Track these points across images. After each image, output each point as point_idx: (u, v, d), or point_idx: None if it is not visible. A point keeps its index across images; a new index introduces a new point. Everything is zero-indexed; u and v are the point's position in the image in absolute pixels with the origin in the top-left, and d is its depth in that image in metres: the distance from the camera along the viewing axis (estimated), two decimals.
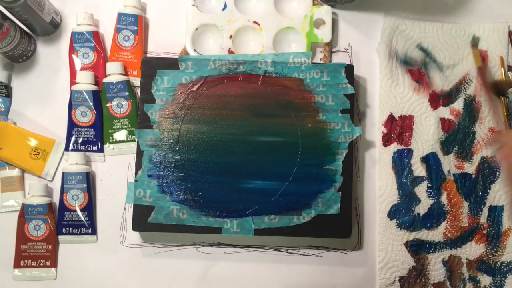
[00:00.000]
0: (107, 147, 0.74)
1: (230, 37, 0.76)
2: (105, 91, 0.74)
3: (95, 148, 0.74)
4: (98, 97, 0.74)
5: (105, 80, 0.74)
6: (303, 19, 0.77)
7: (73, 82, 0.75)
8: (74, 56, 0.75)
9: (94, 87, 0.73)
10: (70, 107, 0.73)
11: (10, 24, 0.70)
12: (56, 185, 0.73)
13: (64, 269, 0.72)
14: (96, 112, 0.73)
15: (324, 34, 0.77)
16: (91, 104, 0.73)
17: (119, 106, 0.74)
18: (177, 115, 0.71)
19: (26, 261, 0.71)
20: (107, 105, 0.74)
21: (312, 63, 0.73)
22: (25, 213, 0.70)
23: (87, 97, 0.73)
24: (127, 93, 0.74)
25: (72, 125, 0.74)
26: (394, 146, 0.75)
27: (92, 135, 0.73)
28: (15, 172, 0.73)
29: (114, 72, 0.73)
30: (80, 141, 0.73)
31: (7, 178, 0.73)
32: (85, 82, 0.73)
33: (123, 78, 0.73)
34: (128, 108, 0.74)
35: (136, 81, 0.75)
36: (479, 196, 0.75)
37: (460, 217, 0.74)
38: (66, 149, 0.74)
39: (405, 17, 0.79)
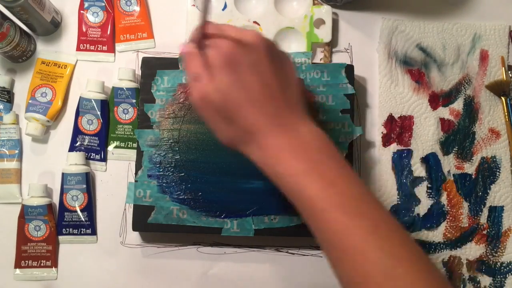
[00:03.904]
0: (108, 149, 0.74)
1: None
2: (113, 96, 0.74)
3: (97, 157, 0.74)
4: (106, 107, 0.74)
5: (114, 84, 0.74)
6: (303, 19, 0.77)
7: (80, 40, 0.76)
8: (84, 13, 0.76)
9: (103, 96, 0.73)
10: (77, 114, 0.73)
11: (10, 24, 0.70)
12: (56, 186, 0.73)
13: (65, 269, 0.72)
14: (102, 121, 0.73)
15: (324, 34, 0.77)
16: (99, 113, 0.73)
17: (124, 112, 0.74)
18: (177, 115, 0.71)
19: (26, 261, 0.71)
20: (113, 109, 0.74)
21: (312, 63, 0.73)
22: (25, 214, 0.70)
23: (95, 105, 0.73)
24: (134, 101, 0.74)
25: (77, 132, 0.74)
26: (394, 147, 0.75)
27: (96, 143, 0.73)
28: (13, 164, 0.73)
29: (125, 78, 0.73)
30: (83, 148, 0.73)
31: (4, 170, 0.73)
32: (94, 90, 0.73)
33: (133, 85, 0.74)
34: (133, 115, 0.74)
35: (145, 44, 0.77)
36: (479, 196, 0.75)
37: (460, 217, 0.74)
38: None
39: (405, 16, 0.79)
